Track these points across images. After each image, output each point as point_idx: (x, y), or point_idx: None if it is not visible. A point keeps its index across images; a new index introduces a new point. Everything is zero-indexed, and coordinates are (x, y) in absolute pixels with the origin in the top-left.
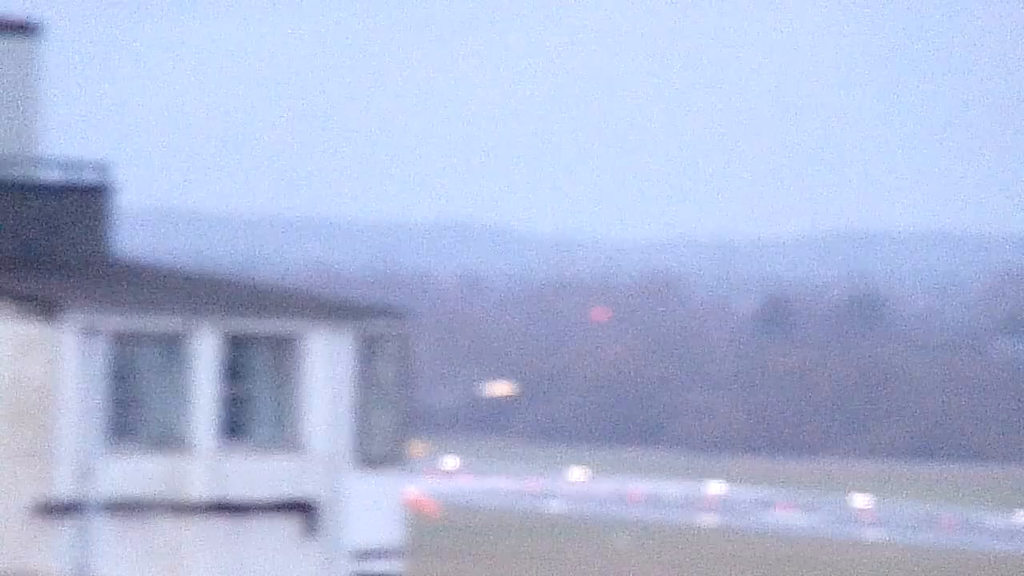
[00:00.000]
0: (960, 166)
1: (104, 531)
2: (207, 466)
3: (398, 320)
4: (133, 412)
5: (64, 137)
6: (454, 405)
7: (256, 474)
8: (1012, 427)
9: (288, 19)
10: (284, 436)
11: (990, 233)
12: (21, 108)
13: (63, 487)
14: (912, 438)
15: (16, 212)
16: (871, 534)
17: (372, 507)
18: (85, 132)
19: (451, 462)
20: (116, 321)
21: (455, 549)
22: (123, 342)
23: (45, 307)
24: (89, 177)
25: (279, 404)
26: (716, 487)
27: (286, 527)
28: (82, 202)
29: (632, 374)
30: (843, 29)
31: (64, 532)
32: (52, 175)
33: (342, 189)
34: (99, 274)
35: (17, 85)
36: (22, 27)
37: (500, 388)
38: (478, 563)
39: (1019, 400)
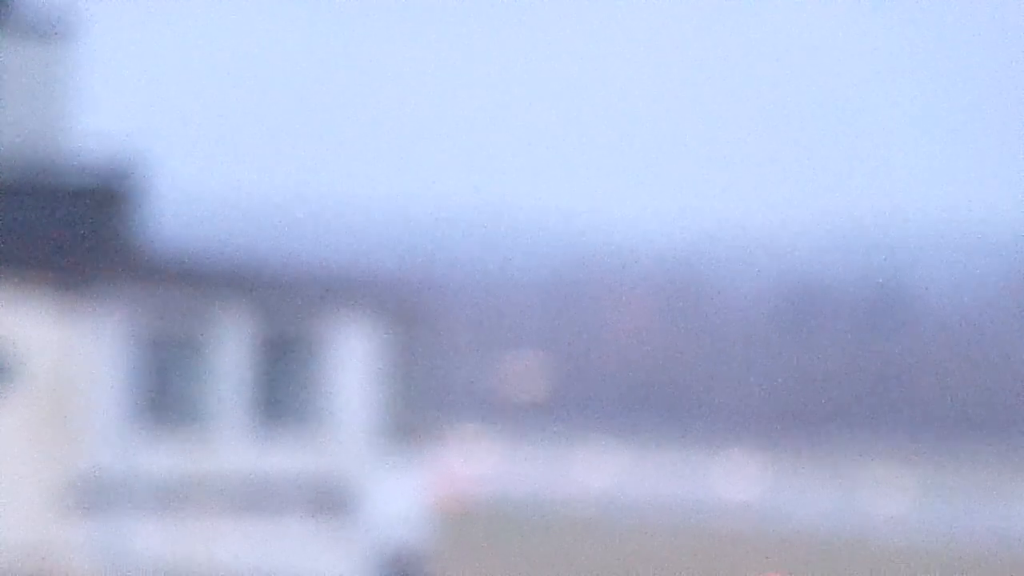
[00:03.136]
0: (988, 159)
1: (137, 516)
2: (238, 452)
3: (425, 310)
4: (164, 401)
5: (103, 123)
6: (476, 398)
7: (285, 460)
8: None
9: (316, 10)
10: (313, 422)
11: (1017, 227)
12: (48, 113)
13: (96, 473)
14: (937, 436)
15: (48, 214)
16: (892, 531)
17: (401, 493)
18: (124, 119)
19: (476, 453)
20: (147, 312)
21: (484, 539)
22: (155, 333)
23: (79, 300)
24: (117, 178)
25: (309, 391)
26: (739, 483)
27: (315, 512)
28: (111, 202)
29: (655, 368)
30: (865, 19)
31: (97, 516)
32: (80, 178)
33: (368, 179)
34: (130, 267)
35: (43, 91)
36: (49, 32)
37: (525, 382)
38: (507, 553)
39: None
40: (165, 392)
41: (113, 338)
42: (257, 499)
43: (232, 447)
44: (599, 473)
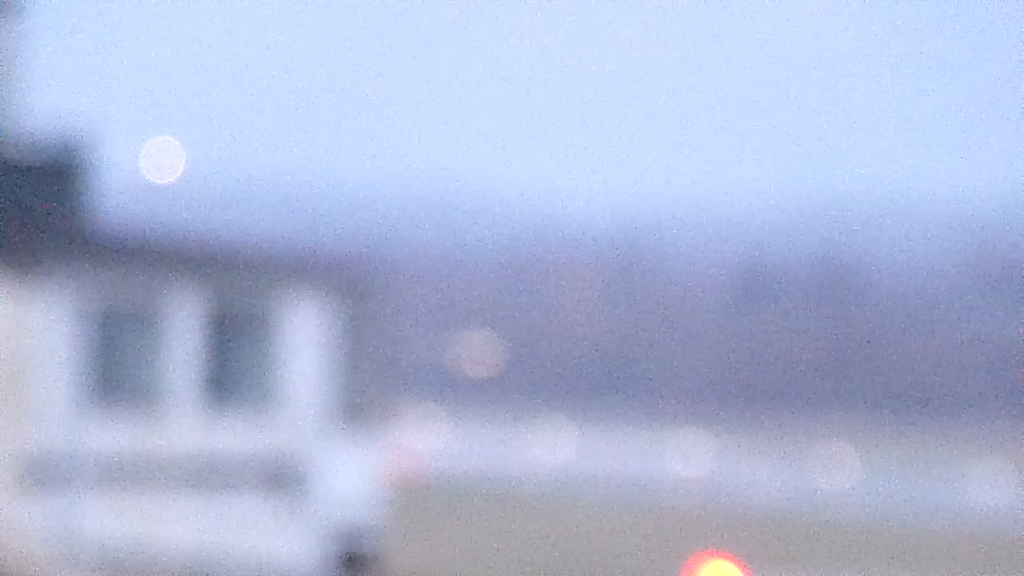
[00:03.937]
0: (943, 135)
1: (87, 493)
2: (189, 430)
3: (377, 287)
4: (115, 378)
5: (54, 98)
6: (429, 375)
7: (237, 437)
8: (989, 402)
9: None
10: (265, 400)
11: (969, 203)
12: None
13: (46, 450)
14: (888, 413)
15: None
16: (841, 507)
17: (353, 471)
18: (75, 94)
19: (429, 430)
20: (99, 289)
21: (436, 516)
22: (106, 310)
23: (30, 277)
24: (69, 154)
25: (260, 369)
26: (689, 460)
27: (266, 489)
28: (62, 178)
29: (607, 346)
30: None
31: (47, 494)
32: (32, 154)
33: (320, 156)
34: (82, 244)
35: None
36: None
37: (477, 359)
38: (459, 530)
39: (997, 374)
40: (116, 370)
41: (64, 315)
42: (208, 477)
43: (183, 425)
44: (551, 450)
